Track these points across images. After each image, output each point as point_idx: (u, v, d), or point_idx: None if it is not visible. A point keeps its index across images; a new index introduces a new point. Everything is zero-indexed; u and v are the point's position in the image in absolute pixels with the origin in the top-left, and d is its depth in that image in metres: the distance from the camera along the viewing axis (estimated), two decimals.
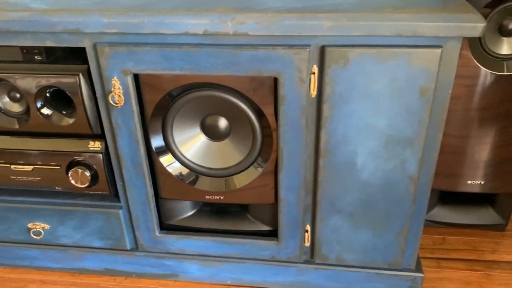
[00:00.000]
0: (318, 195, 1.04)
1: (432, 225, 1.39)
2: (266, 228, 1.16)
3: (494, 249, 1.32)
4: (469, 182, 1.28)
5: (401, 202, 1.02)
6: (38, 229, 1.20)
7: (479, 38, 1.08)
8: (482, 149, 1.22)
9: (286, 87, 0.91)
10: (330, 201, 1.04)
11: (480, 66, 1.08)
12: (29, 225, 1.20)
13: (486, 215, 1.37)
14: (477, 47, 1.08)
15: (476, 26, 0.80)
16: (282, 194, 1.05)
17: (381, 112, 0.91)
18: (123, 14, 0.88)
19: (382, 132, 0.94)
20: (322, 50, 0.87)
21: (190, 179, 1.09)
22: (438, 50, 0.84)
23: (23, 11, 0.91)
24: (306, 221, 1.09)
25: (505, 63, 1.08)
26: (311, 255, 1.15)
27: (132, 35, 0.90)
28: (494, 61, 1.09)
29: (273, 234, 1.14)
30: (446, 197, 1.37)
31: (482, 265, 1.26)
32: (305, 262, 1.16)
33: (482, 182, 1.27)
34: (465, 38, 0.94)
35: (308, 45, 0.87)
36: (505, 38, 1.09)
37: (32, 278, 1.26)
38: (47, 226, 1.19)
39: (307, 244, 1.12)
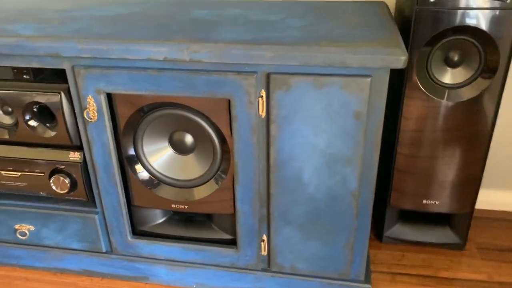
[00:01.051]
0: (271, 207, 1.14)
1: (392, 241, 1.47)
2: (227, 236, 1.26)
3: (449, 266, 1.38)
4: (425, 201, 1.36)
5: (345, 215, 1.11)
6: (23, 230, 1.32)
7: (426, 66, 1.18)
8: (439, 170, 1.30)
9: (238, 108, 1.02)
10: (282, 213, 1.14)
11: (425, 91, 1.18)
12: (16, 226, 1.32)
13: (444, 234, 1.44)
14: (424, 74, 1.18)
15: (398, 59, 0.91)
16: (238, 205, 1.15)
17: (321, 133, 1.02)
18: (95, 41, 1.01)
19: (323, 151, 1.04)
20: (268, 76, 0.99)
21: (156, 188, 1.20)
22: (368, 79, 0.95)
23: (13, 37, 1.06)
24: (262, 231, 1.19)
25: (446, 91, 1.18)
26: (268, 264, 1.24)
27: (103, 59, 1.03)
28: (438, 88, 1.19)
29: (234, 242, 1.24)
30: (406, 215, 1.45)
31: (435, 281, 1.33)
32: (263, 270, 1.25)
33: (437, 202, 1.35)
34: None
35: (256, 72, 0.99)
36: (449, 69, 1.19)
37: (17, 275, 1.38)
38: (32, 228, 1.32)
39: (264, 253, 1.22)
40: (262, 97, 1.01)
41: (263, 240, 1.20)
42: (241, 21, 1.15)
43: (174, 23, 1.14)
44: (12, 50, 1.05)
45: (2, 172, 1.26)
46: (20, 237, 1.33)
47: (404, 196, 1.37)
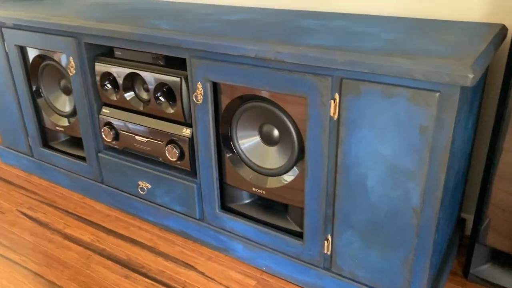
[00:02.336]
0: (336, 207, 1.19)
1: (479, 282, 1.35)
2: (297, 229, 1.35)
3: None
4: None
5: (405, 231, 1.10)
6: (143, 186, 1.62)
7: None
8: None
9: (311, 108, 1.11)
10: (345, 215, 1.18)
11: None
12: (139, 182, 1.63)
13: None
14: None
15: (466, 76, 0.89)
16: (306, 200, 1.24)
17: (387, 142, 1.04)
18: (207, 37, 1.22)
19: (388, 161, 1.05)
20: (341, 81, 1.05)
21: (240, 168, 1.36)
22: (436, 94, 0.94)
23: (151, 29, 1.34)
24: (327, 231, 1.25)
25: None
26: (330, 264, 1.29)
27: (212, 53, 1.24)
28: None
29: (299, 234, 1.33)
30: (499, 255, 1.32)
31: None
32: (325, 268, 1.30)
33: None
34: None
35: (331, 76, 1.07)
36: None
37: (134, 223, 1.70)
38: (149, 186, 1.61)
39: (327, 252, 1.27)
40: (335, 100, 1.08)
41: (327, 240, 1.26)
42: (338, 31, 1.23)
43: (278, 29, 1.28)
44: (153, 40, 1.33)
45: (136, 136, 1.57)
46: (140, 192, 1.64)
47: (499, 235, 1.26)
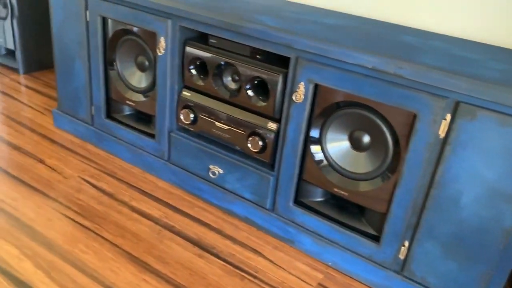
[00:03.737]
0: (422, 218, 1.27)
1: None
2: (372, 232, 1.43)
3: None
4: None
5: (490, 248, 1.19)
6: (215, 171, 1.68)
7: None
8: None
9: (421, 124, 1.19)
10: (430, 227, 1.27)
11: None
12: (210, 166, 1.69)
13: None
14: None
15: None
16: (393, 207, 1.32)
17: (492, 166, 1.12)
18: (321, 42, 1.27)
19: (488, 183, 1.14)
20: (457, 104, 1.13)
21: (326, 170, 1.43)
22: None
23: (261, 25, 1.38)
24: (406, 237, 1.33)
25: None
26: (402, 267, 1.37)
27: (322, 57, 1.29)
28: None
29: (376, 238, 1.41)
30: None
31: None
32: (395, 271, 1.39)
33: None
34: None
35: (447, 97, 1.14)
36: None
37: (198, 204, 1.76)
38: (221, 171, 1.67)
39: (402, 256, 1.36)
40: (446, 119, 1.15)
41: (404, 245, 1.34)
42: (442, 52, 1.30)
43: (384, 42, 1.34)
44: (257, 34, 1.38)
45: (216, 122, 1.62)
46: (211, 175, 1.70)
47: None
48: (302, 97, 1.36)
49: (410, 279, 1.37)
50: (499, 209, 1.14)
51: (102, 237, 1.52)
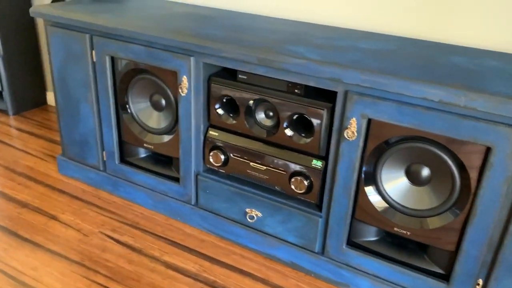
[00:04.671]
0: (500, 255, 1.17)
1: None
2: (439, 270, 1.32)
3: None
4: None
5: None
6: (252, 214, 1.55)
7: None
8: None
9: (497, 157, 1.08)
10: (509, 264, 1.17)
11: None
12: (247, 210, 1.56)
13: None
14: None
15: None
16: (465, 245, 1.21)
17: None
18: (376, 74, 1.16)
19: None
20: None
21: (387, 212, 1.32)
22: None
23: (302, 59, 1.26)
24: (480, 275, 1.23)
25: None
26: None
27: (377, 90, 1.18)
28: None
29: (443, 277, 1.30)
30: None
31: None
32: None
33: None
34: None
35: None
36: None
37: (234, 250, 1.62)
38: (260, 214, 1.54)
39: None
40: None
41: (478, 284, 1.24)
42: (504, 75, 1.20)
43: (437, 67, 1.24)
44: (298, 69, 1.26)
45: (251, 163, 1.49)
46: (248, 220, 1.56)
47: None
48: (355, 133, 1.25)
49: None
50: None
51: None
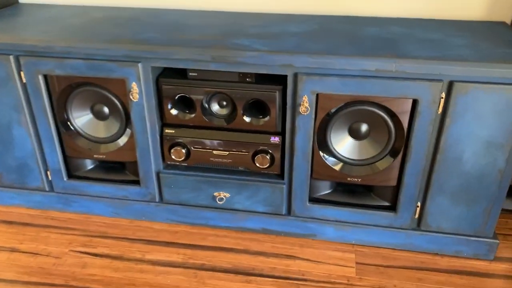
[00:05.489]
0: (432, 180, 1.51)
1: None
2: (385, 203, 1.63)
3: None
4: None
5: (490, 187, 1.48)
6: (222, 197, 1.69)
7: None
8: None
9: (423, 106, 1.39)
10: (440, 185, 1.51)
11: None
12: (215, 194, 1.69)
13: None
14: None
15: None
16: (405, 179, 1.53)
17: (485, 125, 1.38)
18: (322, 56, 1.37)
19: (483, 139, 1.40)
20: (451, 83, 1.34)
21: (339, 167, 1.57)
22: None
23: (255, 51, 1.41)
24: (418, 199, 1.56)
25: None
26: (418, 224, 1.62)
27: (323, 69, 1.39)
28: None
29: (391, 208, 1.62)
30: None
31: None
32: (413, 229, 1.63)
33: None
34: None
35: (442, 80, 1.35)
36: None
37: (208, 233, 1.76)
38: (228, 195, 1.69)
39: (416, 216, 1.60)
40: (442, 98, 1.37)
41: (418, 206, 1.58)
42: (413, 39, 1.50)
43: (361, 40, 1.49)
44: (253, 61, 1.41)
45: (214, 151, 1.62)
46: (218, 202, 1.70)
47: None
48: (308, 107, 1.45)
49: (427, 231, 1.62)
50: (494, 156, 1.43)
51: None
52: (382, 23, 1.67)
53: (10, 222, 1.81)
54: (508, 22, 1.73)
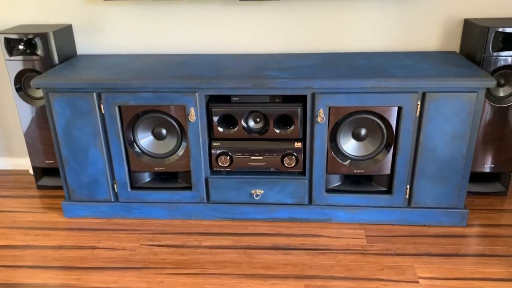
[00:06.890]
0: (416, 167, 2.05)
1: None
2: (383, 188, 2.16)
3: (500, 204, 2.33)
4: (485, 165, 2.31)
5: (457, 170, 2.03)
6: (258, 193, 2.17)
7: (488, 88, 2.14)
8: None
9: (405, 111, 1.95)
10: (422, 170, 2.05)
11: (488, 101, 2.15)
12: (252, 191, 2.18)
13: (495, 187, 2.39)
14: (487, 93, 2.15)
15: (491, 82, 1.86)
16: (397, 167, 2.06)
17: (450, 122, 1.95)
18: (332, 79, 1.92)
19: (449, 132, 1.97)
20: (424, 94, 1.92)
21: (348, 163, 2.10)
22: (475, 94, 1.90)
23: (283, 79, 1.95)
24: (407, 183, 2.10)
25: (500, 100, 2.16)
26: (409, 203, 2.14)
27: (334, 88, 1.94)
28: (494, 99, 2.16)
29: (387, 191, 2.14)
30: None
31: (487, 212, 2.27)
32: (405, 207, 2.15)
33: (492, 166, 2.30)
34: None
35: (417, 92, 1.92)
36: (500, 88, 2.16)
37: (247, 224, 2.22)
38: (262, 191, 2.17)
39: (407, 196, 2.12)
40: (418, 104, 1.94)
41: (407, 188, 2.11)
42: (393, 65, 2.08)
43: (356, 68, 2.06)
44: (282, 85, 1.94)
45: (251, 157, 2.12)
46: (255, 198, 2.18)
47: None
48: (323, 117, 1.99)
49: (416, 207, 2.15)
50: (458, 144, 1.99)
51: (212, 274, 1.89)
52: (368, 56, 2.26)
53: (83, 229, 2.21)
54: (457, 51, 2.36)
